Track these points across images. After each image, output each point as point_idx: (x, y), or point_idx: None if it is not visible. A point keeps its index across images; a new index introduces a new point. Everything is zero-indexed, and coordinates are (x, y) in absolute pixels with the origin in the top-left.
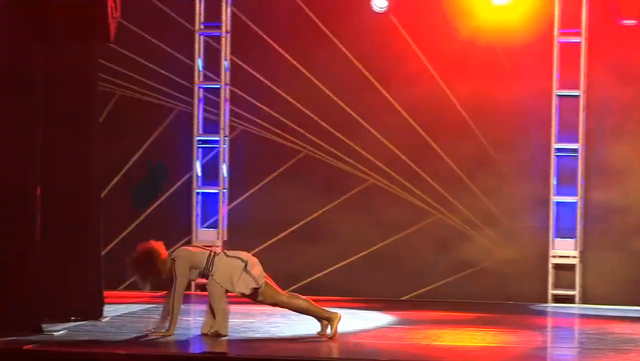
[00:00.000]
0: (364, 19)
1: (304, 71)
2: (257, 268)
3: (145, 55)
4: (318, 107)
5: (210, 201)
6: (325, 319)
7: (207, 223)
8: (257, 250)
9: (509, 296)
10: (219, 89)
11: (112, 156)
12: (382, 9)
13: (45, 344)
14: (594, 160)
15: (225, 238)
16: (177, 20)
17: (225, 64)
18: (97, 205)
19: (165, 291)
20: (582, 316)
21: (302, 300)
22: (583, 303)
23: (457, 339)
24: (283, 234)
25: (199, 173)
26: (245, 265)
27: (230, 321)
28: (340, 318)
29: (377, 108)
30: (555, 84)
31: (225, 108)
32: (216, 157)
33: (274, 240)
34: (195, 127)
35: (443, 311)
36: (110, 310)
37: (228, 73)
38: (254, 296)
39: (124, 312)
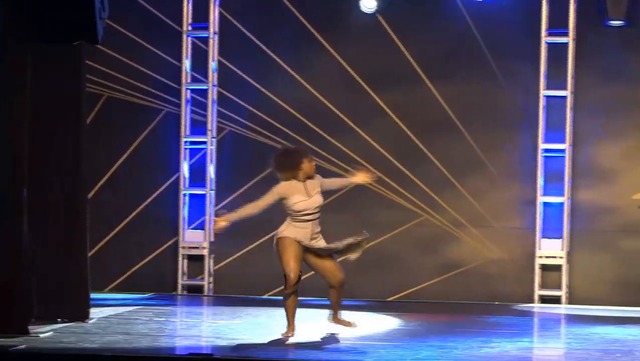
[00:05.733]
0: (352, 21)
1: (292, 72)
2: None
3: (132, 56)
4: (306, 108)
5: (197, 202)
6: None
7: (194, 225)
8: (243, 251)
9: (496, 297)
10: (206, 90)
11: (99, 157)
12: (371, 10)
13: (31, 346)
14: (581, 161)
15: (212, 240)
16: (164, 21)
17: (213, 65)
18: (84, 206)
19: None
20: (568, 316)
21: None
22: (569, 304)
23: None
24: (270, 235)
25: (186, 175)
26: None
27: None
28: None
29: (365, 110)
30: (542, 84)
31: (212, 109)
32: (203, 159)
33: (261, 240)
34: (182, 128)
35: (428, 314)
36: (96, 312)
37: (216, 74)
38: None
39: (110, 314)
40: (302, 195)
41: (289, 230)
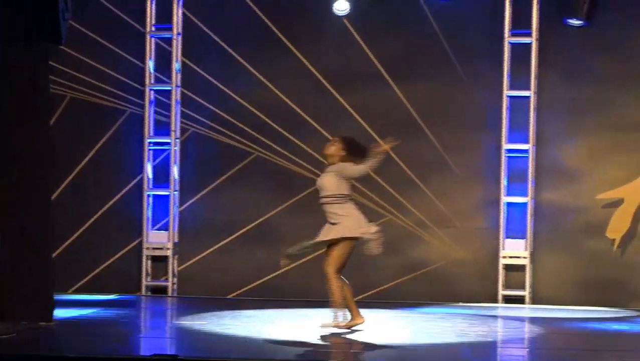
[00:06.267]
0: (317, 22)
1: (255, 73)
2: None
3: (95, 57)
4: (269, 108)
5: (161, 203)
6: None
7: (158, 226)
8: (208, 251)
9: (460, 297)
10: (170, 90)
11: (62, 158)
12: (344, 12)
13: None
14: (544, 161)
15: (176, 241)
16: (128, 22)
17: (176, 65)
18: (49, 207)
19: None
20: (532, 316)
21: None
22: (533, 304)
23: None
24: (234, 236)
25: (150, 176)
26: None
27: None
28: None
29: (329, 111)
30: (505, 84)
31: (176, 110)
32: (167, 159)
33: (225, 241)
34: (146, 129)
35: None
36: (60, 313)
37: (179, 75)
38: None
39: (74, 315)
40: None
41: None
